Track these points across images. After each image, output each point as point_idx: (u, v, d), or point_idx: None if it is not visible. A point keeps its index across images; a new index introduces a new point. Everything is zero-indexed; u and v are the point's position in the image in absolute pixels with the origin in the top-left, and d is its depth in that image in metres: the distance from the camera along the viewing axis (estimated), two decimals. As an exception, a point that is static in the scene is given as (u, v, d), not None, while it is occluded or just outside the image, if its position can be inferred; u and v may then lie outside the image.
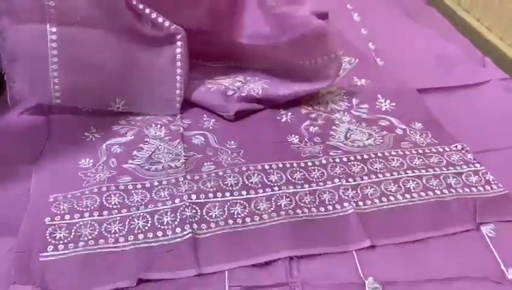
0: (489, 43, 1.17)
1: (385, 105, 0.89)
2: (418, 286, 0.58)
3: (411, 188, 0.71)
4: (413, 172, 0.74)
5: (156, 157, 0.75)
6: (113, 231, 0.63)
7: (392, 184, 0.72)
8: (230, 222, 0.65)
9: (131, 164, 0.73)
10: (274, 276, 0.59)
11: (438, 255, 0.62)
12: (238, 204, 0.68)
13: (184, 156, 0.74)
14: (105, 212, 0.65)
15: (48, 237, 0.61)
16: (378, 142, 0.80)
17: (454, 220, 0.67)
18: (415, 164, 0.75)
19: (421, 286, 0.58)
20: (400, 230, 0.65)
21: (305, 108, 0.87)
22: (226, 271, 0.59)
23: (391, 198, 0.70)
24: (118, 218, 0.64)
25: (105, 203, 0.66)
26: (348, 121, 0.85)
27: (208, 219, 0.65)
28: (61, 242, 0.61)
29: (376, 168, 0.74)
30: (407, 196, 0.70)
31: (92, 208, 0.65)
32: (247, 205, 0.68)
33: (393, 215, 0.67)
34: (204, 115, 0.84)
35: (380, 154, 0.77)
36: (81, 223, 0.63)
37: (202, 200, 0.68)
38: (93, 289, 0.56)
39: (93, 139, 0.77)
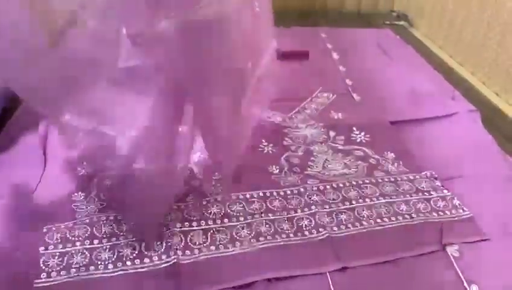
0: (460, 77, 1.25)
1: (360, 137, 0.95)
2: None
3: (382, 213, 0.76)
4: (385, 198, 0.79)
5: (144, 189, 0.80)
6: (103, 259, 0.67)
7: (365, 210, 0.77)
8: (213, 248, 0.70)
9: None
10: (253, 297, 0.63)
11: (407, 274, 0.66)
12: (220, 231, 0.72)
13: (171, 187, 0.80)
14: (95, 241, 0.69)
15: (41, 265, 0.65)
16: (352, 171, 0.85)
17: (422, 242, 0.71)
18: (387, 191, 0.81)
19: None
20: (371, 252, 0.69)
21: (285, 140, 0.93)
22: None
23: (364, 223, 0.75)
24: (107, 246, 0.69)
25: (95, 232, 0.71)
26: (325, 152, 0.90)
27: (191, 245, 0.70)
28: (54, 269, 0.65)
29: (350, 196, 0.80)
30: (379, 220, 0.75)
31: (83, 237, 0.70)
32: (228, 232, 0.72)
33: (365, 238, 0.72)
34: (191, 149, 0.90)
35: (354, 183, 0.82)
36: (73, 251, 0.68)
37: (187, 228, 0.72)
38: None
39: (86, 173, 0.83)
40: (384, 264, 0.68)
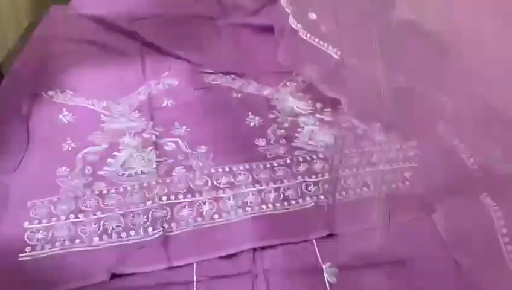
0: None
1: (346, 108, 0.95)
2: (371, 269, 0.63)
3: (368, 181, 0.76)
4: (371, 167, 0.79)
5: (129, 164, 0.79)
6: (88, 232, 0.67)
7: (351, 179, 0.77)
8: (199, 219, 0.70)
9: (106, 170, 0.77)
10: (238, 266, 0.63)
11: (391, 239, 0.67)
12: (206, 203, 0.72)
13: (156, 161, 0.79)
14: (81, 215, 0.69)
15: (26, 239, 0.65)
16: (339, 142, 0.85)
17: (407, 209, 0.72)
18: (373, 160, 0.81)
19: (375, 268, 0.63)
20: (356, 219, 0.70)
21: (272, 113, 0.92)
22: (194, 264, 0.63)
23: (350, 191, 0.75)
24: (93, 220, 0.68)
25: (81, 207, 0.70)
26: (312, 124, 0.90)
27: (178, 218, 0.70)
28: (38, 243, 0.64)
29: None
30: (365, 189, 0.75)
31: (69, 211, 0.69)
32: (215, 204, 0.72)
33: (351, 206, 0.72)
34: (176, 123, 0.89)
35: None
36: (58, 225, 0.67)
37: (172, 201, 0.72)
38: (69, 284, 0.60)
39: (70, 149, 0.82)
40: (368, 230, 0.68)
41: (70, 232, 0.67)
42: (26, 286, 0.60)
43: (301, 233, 0.67)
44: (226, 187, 0.75)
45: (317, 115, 0.93)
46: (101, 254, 0.64)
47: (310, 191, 0.74)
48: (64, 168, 0.77)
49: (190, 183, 0.75)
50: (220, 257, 0.65)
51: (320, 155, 0.82)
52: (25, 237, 0.65)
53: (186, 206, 0.72)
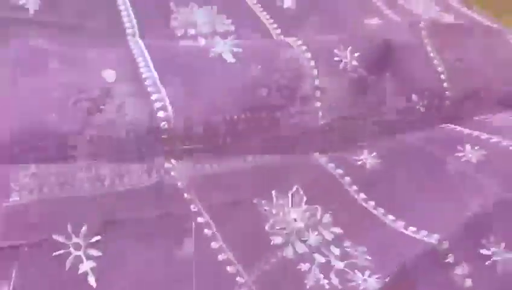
0: None
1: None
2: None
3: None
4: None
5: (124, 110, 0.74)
6: (79, 178, 0.62)
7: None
8: (198, 166, 0.66)
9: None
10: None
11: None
12: (205, 150, 0.68)
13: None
14: (71, 161, 0.64)
15: (12, 185, 0.60)
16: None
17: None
18: None
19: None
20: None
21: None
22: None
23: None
24: (84, 166, 0.64)
25: (71, 152, 0.66)
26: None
27: (175, 165, 0.66)
28: (25, 189, 0.60)
29: None
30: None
31: (58, 156, 0.65)
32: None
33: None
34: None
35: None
36: (47, 172, 0.63)
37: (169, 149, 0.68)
38: (58, 231, 0.56)
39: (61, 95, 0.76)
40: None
41: (60, 178, 0.62)
42: (12, 233, 0.56)
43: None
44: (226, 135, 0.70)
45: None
46: (92, 201, 0.60)
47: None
48: (53, 115, 0.72)
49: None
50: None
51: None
52: (11, 183, 0.61)
53: (184, 155, 0.67)
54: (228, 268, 0.47)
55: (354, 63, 0.67)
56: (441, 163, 0.61)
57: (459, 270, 0.47)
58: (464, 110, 0.68)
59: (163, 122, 0.61)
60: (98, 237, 0.55)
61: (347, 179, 0.58)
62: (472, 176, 0.58)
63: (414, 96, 0.67)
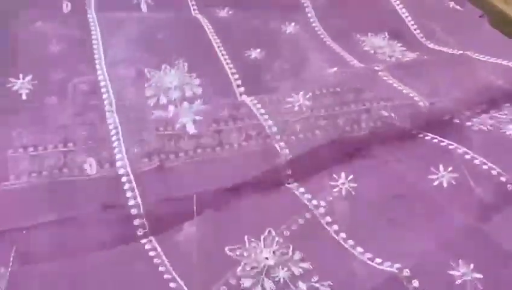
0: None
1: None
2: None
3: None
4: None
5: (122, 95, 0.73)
6: (79, 161, 0.61)
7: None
8: (199, 151, 0.65)
9: (97, 101, 0.71)
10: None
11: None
12: (208, 136, 0.67)
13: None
14: (70, 144, 0.63)
15: (10, 168, 0.59)
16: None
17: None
18: None
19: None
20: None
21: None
22: (194, 195, 0.58)
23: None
24: (84, 149, 0.63)
25: (70, 135, 0.64)
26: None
27: (176, 150, 0.64)
28: (24, 172, 0.59)
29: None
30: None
31: (57, 140, 0.64)
32: (217, 136, 0.67)
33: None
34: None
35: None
36: (45, 154, 0.62)
37: (170, 132, 0.66)
38: (58, 214, 0.55)
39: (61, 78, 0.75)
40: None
41: (59, 161, 0.61)
42: (10, 216, 0.55)
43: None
44: (229, 120, 0.69)
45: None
46: (93, 183, 0.59)
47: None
48: (52, 97, 0.71)
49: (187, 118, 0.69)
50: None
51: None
52: (9, 165, 0.60)
53: (186, 138, 0.66)
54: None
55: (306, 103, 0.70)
56: (412, 188, 0.62)
57: None
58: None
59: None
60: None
61: (321, 210, 0.59)
62: (441, 204, 0.59)
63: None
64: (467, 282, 0.50)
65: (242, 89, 0.75)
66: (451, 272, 0.51)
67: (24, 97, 0.71)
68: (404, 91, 0.74)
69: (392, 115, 0.69)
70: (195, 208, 0.56)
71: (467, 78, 0.77)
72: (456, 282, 0.50)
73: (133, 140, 0.63)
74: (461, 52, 0.85)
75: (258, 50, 0.83)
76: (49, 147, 0.63)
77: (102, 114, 0.68)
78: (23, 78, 0.73)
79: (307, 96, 0.71)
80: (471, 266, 0.51)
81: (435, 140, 0.68)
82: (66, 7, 0.88)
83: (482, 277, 0.50)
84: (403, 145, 0.67)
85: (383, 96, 0.72)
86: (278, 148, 0.64)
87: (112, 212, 0.55)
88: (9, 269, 0.48)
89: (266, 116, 0.68)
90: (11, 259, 0.49)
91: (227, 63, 0.79)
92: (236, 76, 0.76)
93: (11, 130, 0.64)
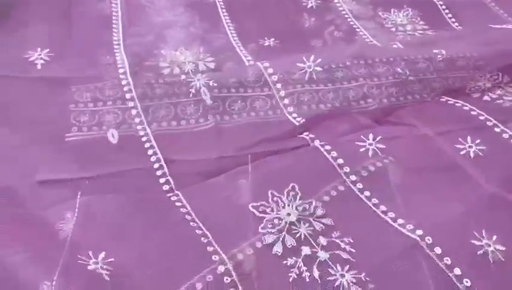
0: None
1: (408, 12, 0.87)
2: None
3: (436, 87, 0.70)
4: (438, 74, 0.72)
5: (176, 57, 0.74)
6: (136, 118, 0.63)
7: (416, 84, 0.71)
8: (253, 114, 0.65)
9: (152, 61, 0.72)
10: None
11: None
12: (260, 99, 0.67)
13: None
14: (128, 102, 0.65)
15: (72, 121, 0.61)
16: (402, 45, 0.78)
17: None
18: (440, 67, 0.73)
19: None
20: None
21: (329, 14, 0.85)
22: (249, 155, 0.59)
23: (416, 96, 0.69)
24: (140, 107, 0.64)
25: (128, 93, 0.66)
26: (373, 28, 0.82)
27: (230, 111, 0.65)
28: (85, 125, 0.61)
29: (421, 67, 0.72)
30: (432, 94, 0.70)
31: (115, 97, 0.65)
32: (269, 100, 0.67)
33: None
34: (223, 18, 0.83)
35: (405, 57, 0.75)
36: (105, 110, 0.63)
37: (224, 94, 0.67)
38: (117, 166, 0.57)
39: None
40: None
41: (117, 118, 0.63)
42: (73, 165, 0.57)
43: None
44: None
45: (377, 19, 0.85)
46: (149, 141, 0.60)
47: (372, 93, 0.69)
48: (108, 57, 0.73)
49: (242, 78, 0.69)
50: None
51: (383, 59, 0.74)
52: (71, 118, 0.62)
53: (239, 101, 0.67)
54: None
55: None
56: (440, 155, 0.61)
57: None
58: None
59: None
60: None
61: (346, 169, 0.58)
62: (467, 173, 0.58)
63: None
64: (489, 252, 0.50)
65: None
66: (473, 242, 0.51)
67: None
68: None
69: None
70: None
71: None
72: (478, 252, 0.50)
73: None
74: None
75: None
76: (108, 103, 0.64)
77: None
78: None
79: (317, 61, 0.70)
80: (494, 237, 0.51)
81: (466, 108, 0.67)
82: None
83: (504, 249, 0.50)
84: (430, 110, 0.67)
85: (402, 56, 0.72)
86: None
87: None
88: (76, 214, 0.50)
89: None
90: (77, 205, 0.51)
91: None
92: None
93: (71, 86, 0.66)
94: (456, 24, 0.87)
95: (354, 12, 0.86)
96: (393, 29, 0.84)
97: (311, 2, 0.86)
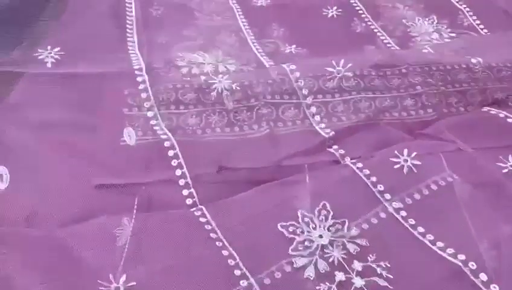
0: None
1: (467, 20, 0.84)
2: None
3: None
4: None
5: (227, 61, 0.73)
6: (190, 124, 0.62)
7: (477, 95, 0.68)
8: (307, 122, 0.64)
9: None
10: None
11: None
12: (313, 106, 0.65)
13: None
14: (181, 107, 0.64)
15: (126, 124, 0.61)
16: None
17: None
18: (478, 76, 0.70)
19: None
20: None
21: (381, 20, 0.83)
22: (306, 165, 0.57)
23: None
24: (194, 112, 0.63)
25: (181, 98, 0.65)
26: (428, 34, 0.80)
27: (283, 118, 0.64)
28: (139, 129, 0.60)
29: (460, 78, 0.70)
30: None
31: (169, 102, 0.64)
32: (323, 108, 0.65)
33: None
34: (273, 24, 0.81)
35: (463, 66, 0.72)
36: (158, 114, 0.63)
37: (277, 101, 0.66)
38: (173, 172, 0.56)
39: (163, 42, 0.76)
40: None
41: (172, 123, 0.62)
42: (129, 170, 0.57)
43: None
44: (335, 92, 0.67)
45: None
46: (205, 145, 0.59)
47: (430, 102, 0.66)
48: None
49: (294, 85, 0.68)
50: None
51: (441, 67, 0.72)
52: (126, 122, 0.61)
53: (292, 107, 0.65)
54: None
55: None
56: (480, 172, 0.57)
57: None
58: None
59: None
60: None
61: (379, 187, 0.54)
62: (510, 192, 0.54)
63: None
64: None
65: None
66: None
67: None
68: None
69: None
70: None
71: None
72: None
73: None
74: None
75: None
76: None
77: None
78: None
79: (348, 65, 0.67)
80: None
81: (510, 119, 0.63)
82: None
83: None
84: (469, 122, 0.63)
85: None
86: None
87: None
88: (133, 220, 0.49)
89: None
90: (134, 211, 0.50)
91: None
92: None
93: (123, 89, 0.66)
94: (485, 31, 0.83)
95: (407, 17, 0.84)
96: (419, 38, 0.80)
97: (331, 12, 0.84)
